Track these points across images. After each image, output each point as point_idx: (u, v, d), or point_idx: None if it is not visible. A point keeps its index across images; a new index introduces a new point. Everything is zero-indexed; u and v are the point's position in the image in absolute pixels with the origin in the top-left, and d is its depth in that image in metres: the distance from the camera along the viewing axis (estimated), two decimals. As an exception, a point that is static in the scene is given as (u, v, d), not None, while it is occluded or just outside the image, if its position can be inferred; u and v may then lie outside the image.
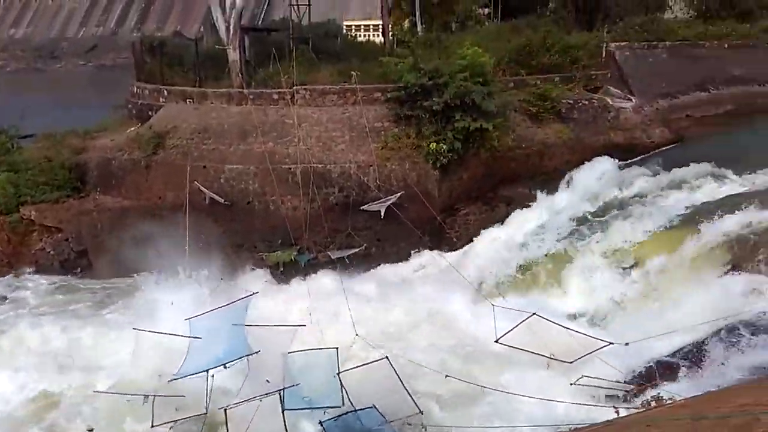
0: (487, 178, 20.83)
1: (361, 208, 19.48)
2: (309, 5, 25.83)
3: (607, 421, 8.44)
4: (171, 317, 12.52)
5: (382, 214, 19.33)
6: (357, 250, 19.30)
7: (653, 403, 9.59)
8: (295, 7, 25.35)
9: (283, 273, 19.04)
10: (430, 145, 19.72)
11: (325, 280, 17.73)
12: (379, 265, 19.29)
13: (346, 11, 69.41)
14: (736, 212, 14.89)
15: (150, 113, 23.21)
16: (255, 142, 20.41)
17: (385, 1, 33.11)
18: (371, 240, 19.66)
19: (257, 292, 12.33)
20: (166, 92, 23.25)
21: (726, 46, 27.28)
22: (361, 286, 17.27)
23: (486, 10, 42.17)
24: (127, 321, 14.70)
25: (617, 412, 8.77)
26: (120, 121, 24.89)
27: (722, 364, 12.01)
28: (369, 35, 48.55)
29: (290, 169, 19.82)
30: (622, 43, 25.93)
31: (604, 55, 25.03)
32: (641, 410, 9.11)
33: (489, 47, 22.38)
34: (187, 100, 22.40)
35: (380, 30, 38.17)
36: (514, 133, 21.04)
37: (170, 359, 11.51)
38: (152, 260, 18.57)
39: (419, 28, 33.78)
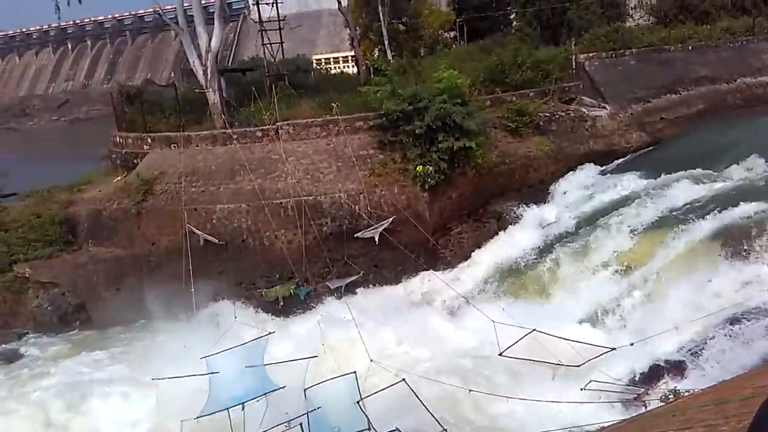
0: (476, 196, 21.14)
1: (355, 235, 19.59)
2: (281, 43, 26.19)
3: (633, 417, 8.60)
4: (185, 360, 12.54)
5: (377, 240, 19.47)
6: (355, 277, 19.35)
7: (671, 397, 9.77)
8: (268, 46, 25.70)
9: (284, 307, 19.07)
10: (417, 168, 20.00)
11: (328, 309, 17.83)
12: (379, 289, 19.36)
13: (314, 46, 70.46)
14: (724, 206, 15.24)
15: (135, 161, 23.25)
16: (243, 180, 20.54)
17: (355, 32, 33.77)
18: (368, 267, 19.75)
19: (273, 332, 12.40)
20: (149, 139, 23.30)
21: (690, 48, 28.18)
22: (364, 311, 17.34)
23: (452, 34, 43.08)
24: (143, 372, 14.51)
25: (645, 406, 8.94)
26: (105, 171, 24.87)
27: (726, 354, 12.30)
28: (340, 67, 49.36)
29: (281, 203, 19.96)
30: (590, 54, 26.61)
31: (574, 67, 25.63)
32: (662, 405, 9.29)
33: (462, 69, 22.85)
34: (172, 145, 22.45)
35: (350, 61, 38.78)
36: (497, 149, 21.45)
37: (193, 400, 11.47)
38: (151, 307, 18.55)
39: (389, 55, 34.29)
